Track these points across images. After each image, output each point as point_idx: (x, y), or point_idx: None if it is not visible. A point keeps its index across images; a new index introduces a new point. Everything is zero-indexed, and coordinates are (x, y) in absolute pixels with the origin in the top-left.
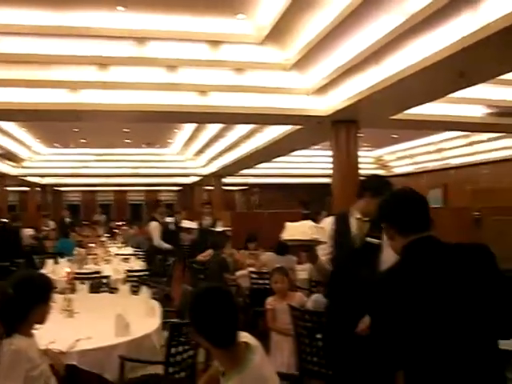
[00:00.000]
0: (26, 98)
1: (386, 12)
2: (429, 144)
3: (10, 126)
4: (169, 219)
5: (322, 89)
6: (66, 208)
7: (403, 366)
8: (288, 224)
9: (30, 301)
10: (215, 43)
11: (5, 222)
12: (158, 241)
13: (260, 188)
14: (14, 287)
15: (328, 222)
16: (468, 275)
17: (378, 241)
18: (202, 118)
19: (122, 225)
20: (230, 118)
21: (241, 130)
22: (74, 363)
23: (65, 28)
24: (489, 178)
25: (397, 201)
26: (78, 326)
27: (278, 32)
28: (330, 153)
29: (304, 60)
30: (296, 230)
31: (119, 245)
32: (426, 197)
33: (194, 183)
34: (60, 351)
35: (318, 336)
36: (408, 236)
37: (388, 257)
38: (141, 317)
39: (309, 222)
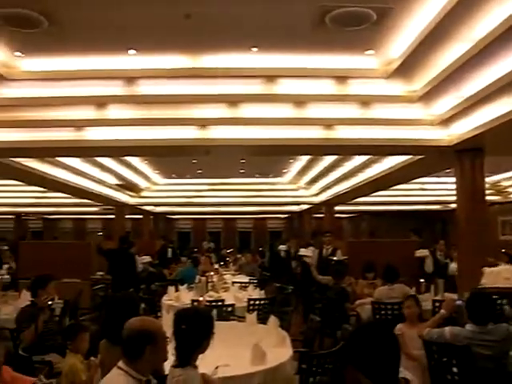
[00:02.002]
0: (160, 136)
1: None
2: None
3: (133, 159)
4: (281, 247)
5: (448, 119)
6: (161, 237)
7: None
8: (487, 269)
9: (204, 334)
10: (342, 79)
11: (123, 248)
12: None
13: (368, 215)
14: (187, 322)
15: None
16: None
17: None
18: (326, 150)
19: (233, 252)
20: (353, 150)
21: (358, 159)
22: None
23: (198, 70)
24: None
25: None
26: (215, 353)
27: (407, 66)
28: (442, 179)
29: (431, 92)
30: (498, 277)
31: (232, 272)
32: None
33: (303, 211)
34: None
35: (454, 370)
36: None
37: None
38: (272, 346)
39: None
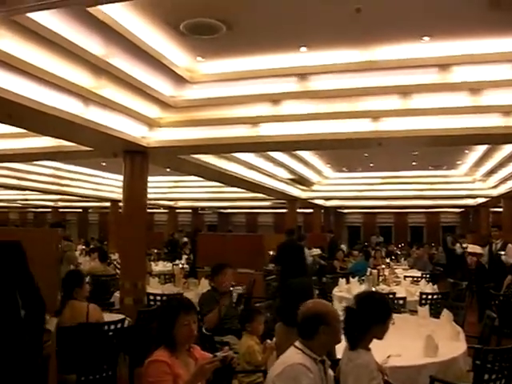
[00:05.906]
0: (332, 129)
1: None
2: None
3: (304, 154)
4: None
5: None
6: (328, 231)
7: None
8: None
9: (372, 319)
10: None
11: (292, 240)
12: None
13: None
14: (359, 306)
15: None
16: None
17: None
18: (505, 139)
19: (403, 247)
20: None
21: None
22: (386, 378)
23: (369, 63)
24: None
25: None
26: (387, 343)
27: None
28: None
29: None
30: None
31: (404, 267)
32: None
33: (479, 205)
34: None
35: None
36: None
37: None
38: (446, 340)
39: None
